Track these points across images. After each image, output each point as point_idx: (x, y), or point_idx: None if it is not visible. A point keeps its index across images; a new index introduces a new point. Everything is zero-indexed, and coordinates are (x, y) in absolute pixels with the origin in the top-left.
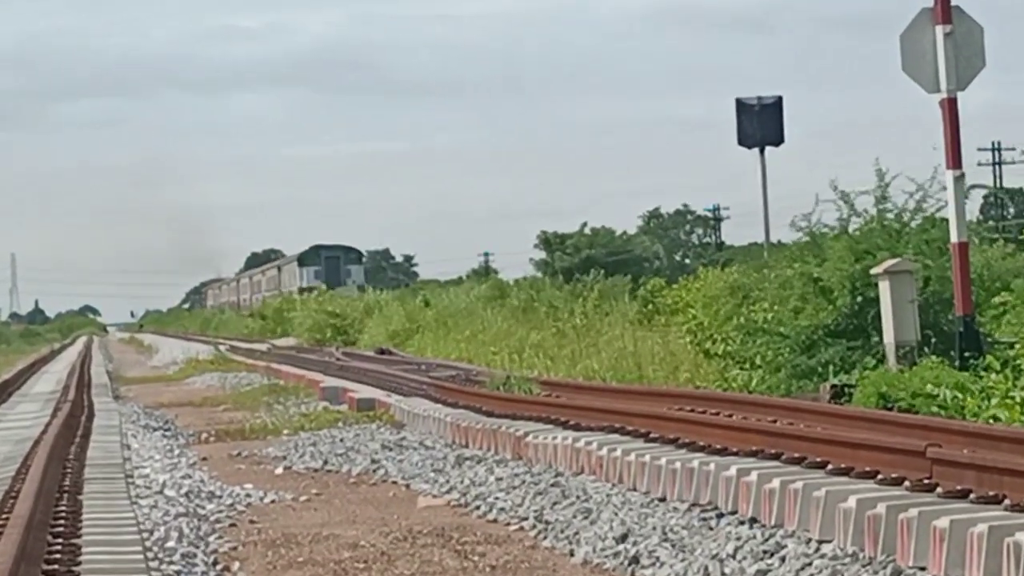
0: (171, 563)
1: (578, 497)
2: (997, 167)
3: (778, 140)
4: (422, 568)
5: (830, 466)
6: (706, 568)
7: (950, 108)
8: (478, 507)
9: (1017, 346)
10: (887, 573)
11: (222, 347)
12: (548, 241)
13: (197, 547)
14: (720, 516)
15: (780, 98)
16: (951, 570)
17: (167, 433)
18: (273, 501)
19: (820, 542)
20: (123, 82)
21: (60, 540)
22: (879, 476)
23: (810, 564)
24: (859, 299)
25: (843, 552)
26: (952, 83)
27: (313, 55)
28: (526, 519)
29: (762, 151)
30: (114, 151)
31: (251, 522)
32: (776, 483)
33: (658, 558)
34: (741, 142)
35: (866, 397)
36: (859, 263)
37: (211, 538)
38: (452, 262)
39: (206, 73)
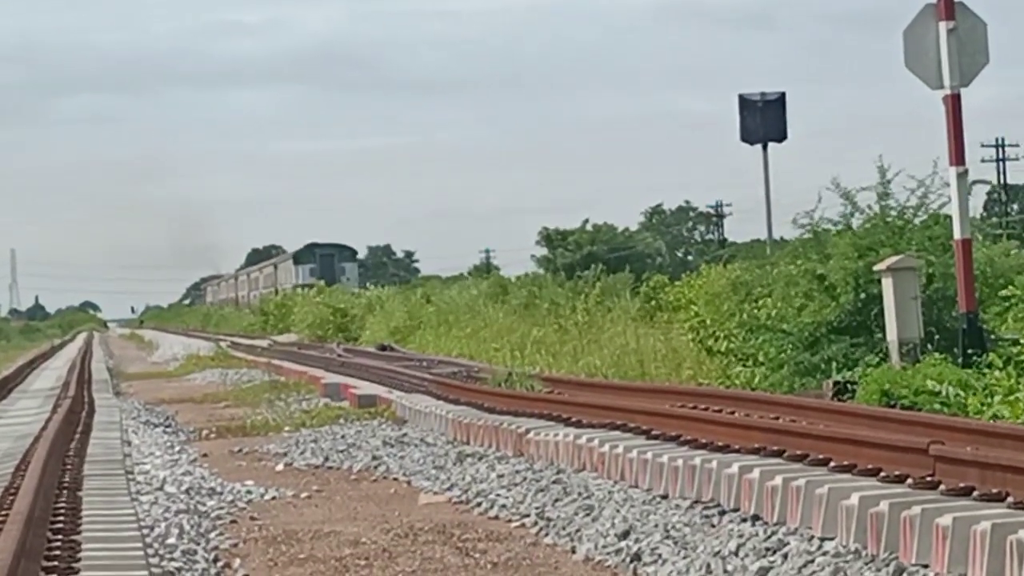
0: (171, 560)
1: (580, 494)
2: (1001, 163)
3: (781, 136)
4: (423, 565)
5: (832, 463)
6: (708, 565)
7: (953, 104)
8: (479, 504)
9: (1021, 343)
10: (889, 571)
11: (223, 343)
12: (550, 238)
13: (198, 544)
14: (722, 513)
15: (783, 94)
16: (954, 568)
17: (168, 429)
18: (274, 498)
19: (822, 539)
20: (123, 78)
21: (60, 536)
22: (882, 473)
23: (812, 561)
24: (862, 296)
25: (845, 549)
26: (955, 79)
27: (313, 51)
28: (528, 516)
29: (765, 147)
30: (114, 147)
31: (252, 519)
32: (778, 480)
33: (660, 555)
34: (744, 138)
35: (869, 394)
36: (862, 260)
37: (212, 535)
38: (454, 258)
39: (206, 69)
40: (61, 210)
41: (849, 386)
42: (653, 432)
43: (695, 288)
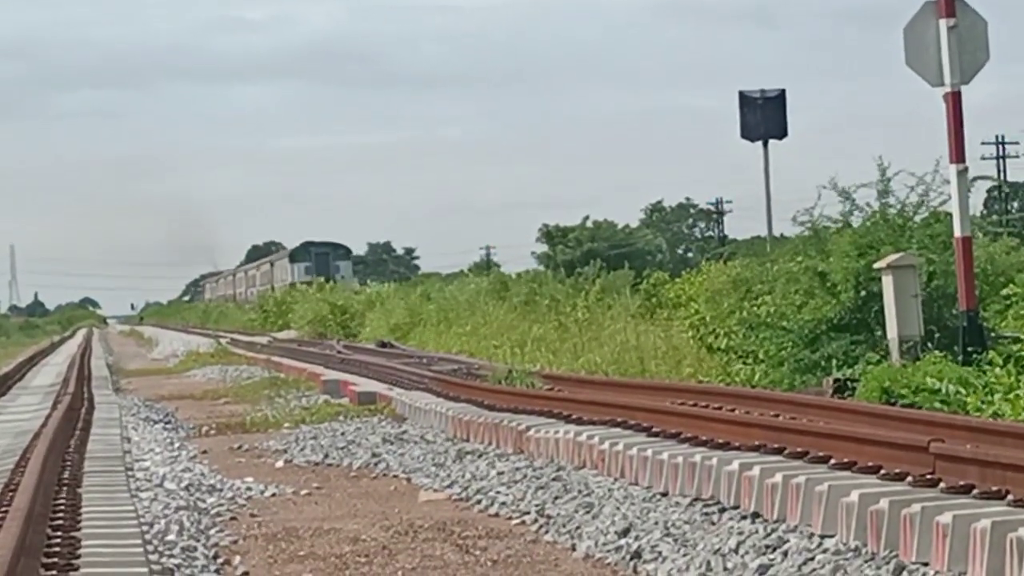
0: (171, 556)
1: (580, 491)
2: (1001, 161)
3: (781, 133)
4: (423, 562)
5: (833, 461)
6: (708, 563)
7: (954, 102)
8: (479, 501)
9: (1021, 341)
10: (890, 569)
11: (223, 340)
12: (550, 234)
13: (197, 540)
14: (722, 511)
15: (783, 91)
16: (954, 566)
17: (167, 426)
18: (274, 495)
19: (823, 537)
20: (124, 73)
21: (60, 533)
22: (882, 471)
23: (812, 559)
24: (863, 293)
25: (846, 547)
26: (956, 77)
27: (315, 47)
28: (528, 513)
29: (765, 144)
30: (115, 142)
31: (252, 515)
32: (779, 478)
33: (660, 553)
34: (744, 135)
35: (869, 392)
36: (863, 258)
37: (211, 531)
38: (454, 255)
39: (207, 64)
40: (61, 206)
41: (849, 384)
42: (653, 429)
43: (695, 285)
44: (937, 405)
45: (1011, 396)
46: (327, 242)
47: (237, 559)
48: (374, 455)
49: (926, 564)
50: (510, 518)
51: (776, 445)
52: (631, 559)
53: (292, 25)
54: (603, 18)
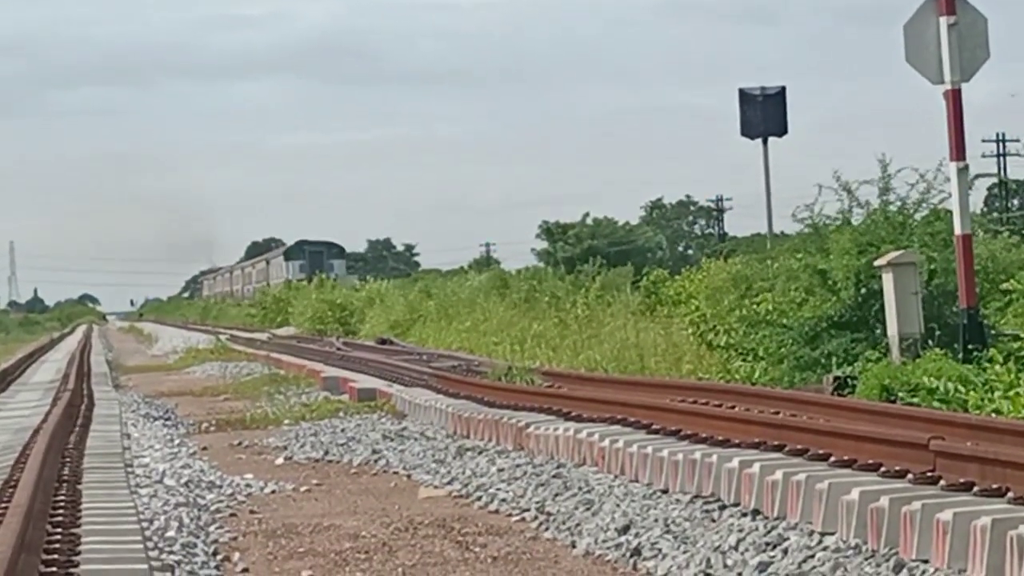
0: (171, 553)
1: (580, 488)
2: (1001, 159)
3: (781, 131)
4: (423, 559)
5: (833, 458)
6: (708, 560)
7: (954, 99)
8: (479, 498)
9: (1022, 338)
10: (890, 566)
11: (222, 336)
12: (550, 231)
13: (197, 537)
14: (722, 508)
15: (783, 89)
16: (954, 563)
17: (167, 422)
18: (274, 491)
19: (823, 534)
20: (123, 70)
21: (60, 529)
22: (882, 468)
23: (812, 556)
24: (863, 291)
25: (846, 544)
26: (956, 74)
27: (313, 43)
28: (528, 510)
29: (765, 142)
30: (114, 139)
31: (251, 512)
32: (779, 475)
33: (660, 550)
34: (744, 133)
35: (869, 389)
36: (863, 255)
37: (211, 528)
38: (454, 252)
39: (206, 61)
40: (60, 203)
41: (849, 381)
42: (653, 426)
43: (695, 282)
44: (936, 404)
45: (1011, 394)
46: (321, 241)
47: (237, 556)
48: (374, 452)
49: (926, 561)
50: (510, 515)
51: (776, 442)
52: (631, 556)
53: (291, 22)
54: (603, 15)
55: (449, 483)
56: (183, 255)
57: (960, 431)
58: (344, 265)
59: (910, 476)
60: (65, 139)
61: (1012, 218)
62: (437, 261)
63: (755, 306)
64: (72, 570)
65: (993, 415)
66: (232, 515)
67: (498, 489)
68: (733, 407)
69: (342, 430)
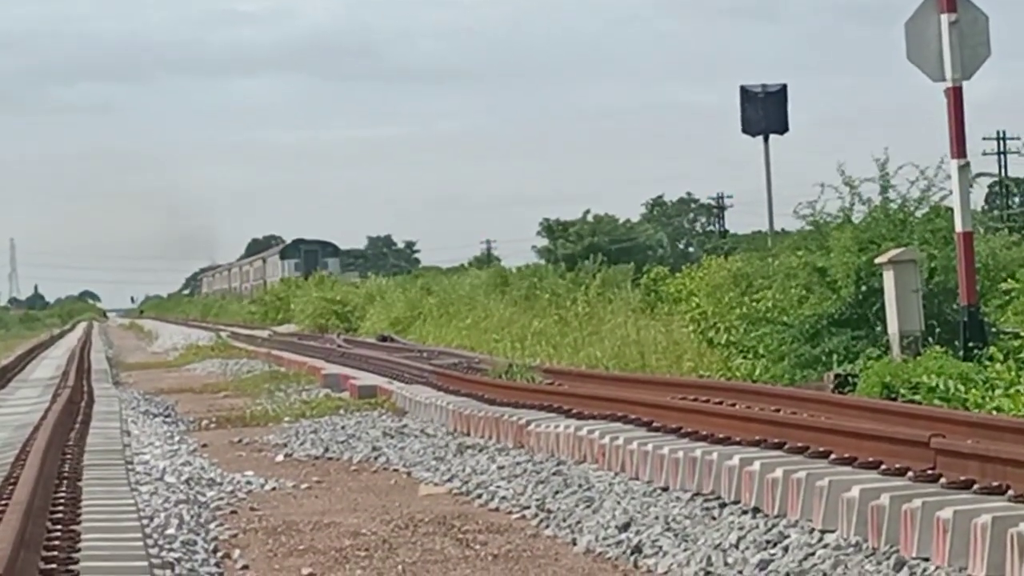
0: (171, 550)
1: (580, 486)
2: (1002, 156)
3: (782, 128)
4: (423, 556)
5: (833, 456)
6: (709, 558)
7: (955, 97)
8: (480, 495)
9: (1022, 336)
10: (890, 564)
11: (223, 333)
12: (551, 228)
13: (197, 534)
14: (723, 506)
15: (784, 86)
16: (954, 561)
17: (167, 419)
18: (274, 488)
19: (823, 532)
20: (123, 66)
21: (60, 526)
22: (882, 466)
23: (813, 554)
24: (863, 289)
25: (846, 542)
26: (957, 72)
27: (313, 40)
28: (528, 508)
29: (766, 139)
30: (114, 135)
31: (252, 509)
32: (779, 472)
33: (661, 547)
34: (745, 130)
35: (870, 387)
36: (863, 253)
37: (211, 525)
38: (454, 249)
39: (206, 58)
40: (60, 199)
41: (850, 379)
42: (654, 424)
43: (696, 280)
44: (936, 402)
45: (1012, 391)
46: (316, 240)
47: (237, 553)
48: (374, 449)
49: (927, 559)
50: (510, 512)
51: (777, 440)
52: (632, 554)
53: (290, 19)
54: (603, 12)
55: (449, 480)
56: (183, 252)
57: (961, 429)
58: (338, 263)
59: (911, 474)
60: (66, 136)
61: (1012, 216)
62: (437, 258)
63: (756, 303)
64: (72, 567)
65: (994, 413)
66: (232, 512)
67: (498, 487)
68: (734, 405)
69: (342, 427)
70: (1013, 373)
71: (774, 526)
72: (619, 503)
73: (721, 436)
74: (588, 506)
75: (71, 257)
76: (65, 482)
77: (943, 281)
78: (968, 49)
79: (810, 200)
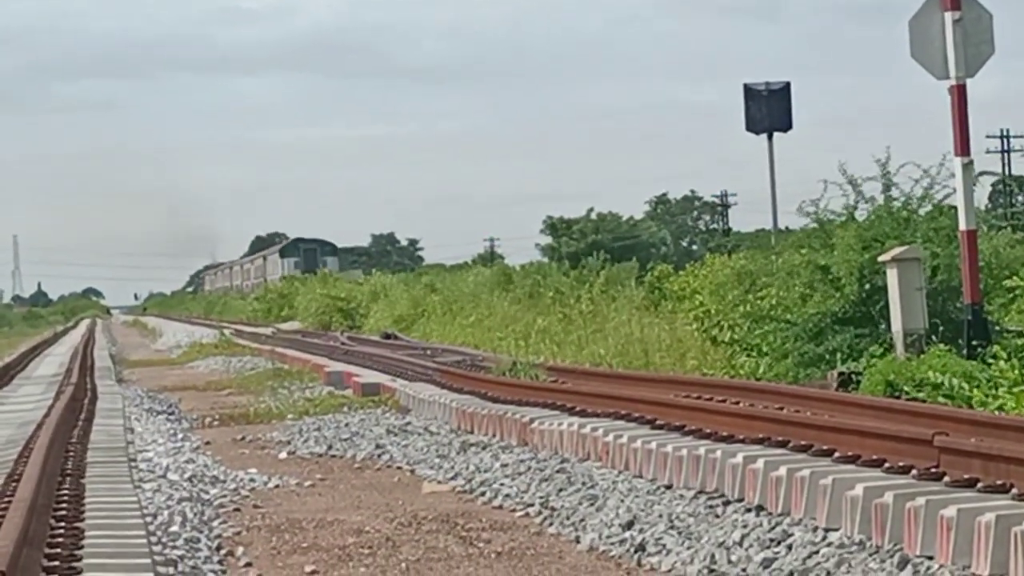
0: (175, 548)
1: (584, 484)
2: (1006, 155)
3: (786, 126)
4: (427, 554)
5: (837, 454)
6: (712, 555)
7: (959, 95)
8: (483, 493)
9: None
10: (894, 562)
11: (226, 331)
12: (554, 226)
13: (201, 532)
14: (727, 503)
15: (788, 84)
16: (958, 559)
17: (171, 417)
18: (277, 486)
19: (827, 530)
20: (125, 63)
21: (63, 524)
22: (886, 464)
23: (817, 552)
24: (867, 287)
25: (850, 540)
26: (961, 70)
27: (316, 39)
28: (532, 505)
29: (770, 137)
30: (116, 133)
31: (255, 507)
32: (783, 471)
33: (664, 545)
34: (749, 128)
35: (873, 385)
36: (867, 251)
37: (215, 523)
38: (457, 247)
39: (209, 56)
40: (63, 197)
41: (854, 377)
42: (657, 422)
43: (700, 278)
44: (940, 400)
45: (1016, 390)
46: (315, 239)
47: (240, 550)
48: (378, 447)
49: (930, 558)
50: (514, 510)
51: (780, 438)
52: (635, 552)
53: (293, 17)
54: (604, 11)
55: (453, 478)
56: (187, 250)
57: (964, 427)
58: (337, 261)
59: (914, 472)
60: (68, 133)
61: (1016, 214)
62: (440, 256)
63: (759, 301)
64: (75, 564)
65: (997, 411)
66: (236, 510)
67: (502, 484)
68: (737, 403)
69: (346, 425)
70: (1017, 371)
71: (778, 524)
72: (623, 501)
73: (725, 434)
74: (592, 504)
75: (74, 254)
76: (68, 479)
77: (947, 279)
78: (972, 47)
79: (814, 198)
